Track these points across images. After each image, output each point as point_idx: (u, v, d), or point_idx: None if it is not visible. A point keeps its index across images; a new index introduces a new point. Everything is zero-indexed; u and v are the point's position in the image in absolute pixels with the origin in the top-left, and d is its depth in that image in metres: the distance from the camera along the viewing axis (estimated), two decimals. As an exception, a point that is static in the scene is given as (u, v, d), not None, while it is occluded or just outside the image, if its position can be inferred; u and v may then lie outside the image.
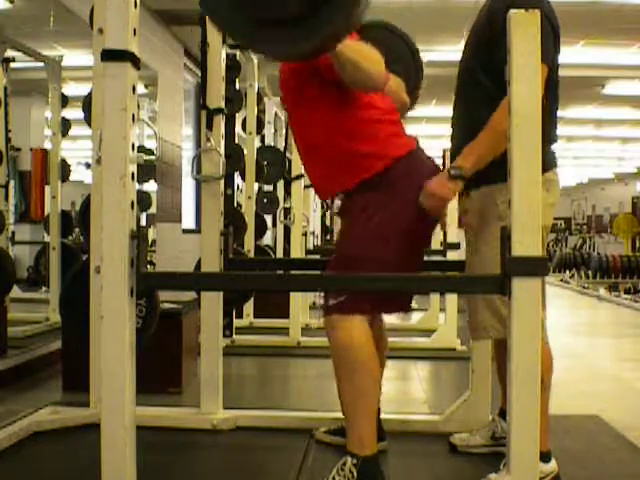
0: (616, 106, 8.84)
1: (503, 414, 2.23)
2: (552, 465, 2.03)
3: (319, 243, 8.66)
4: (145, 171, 5.01)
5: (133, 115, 1.68)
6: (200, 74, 2.66)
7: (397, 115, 2.15)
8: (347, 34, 1.63)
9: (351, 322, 1.95)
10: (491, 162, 1.97)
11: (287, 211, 5.05)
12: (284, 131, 6.12)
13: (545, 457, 1.97)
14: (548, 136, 1.96)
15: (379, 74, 1.93)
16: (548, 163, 2.04)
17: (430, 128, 10.06)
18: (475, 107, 2.12)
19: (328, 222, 9.98)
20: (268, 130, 6.32)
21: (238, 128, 4.96)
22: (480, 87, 2.08)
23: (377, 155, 2.01)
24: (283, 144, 5.27)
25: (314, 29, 1.50)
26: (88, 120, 2.71)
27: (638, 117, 9.58)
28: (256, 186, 5.33)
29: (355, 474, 1.91)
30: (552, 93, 1.98)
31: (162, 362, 3.10)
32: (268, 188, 6.27)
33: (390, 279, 1.77)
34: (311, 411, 2.69)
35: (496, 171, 1.84)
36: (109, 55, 1.66)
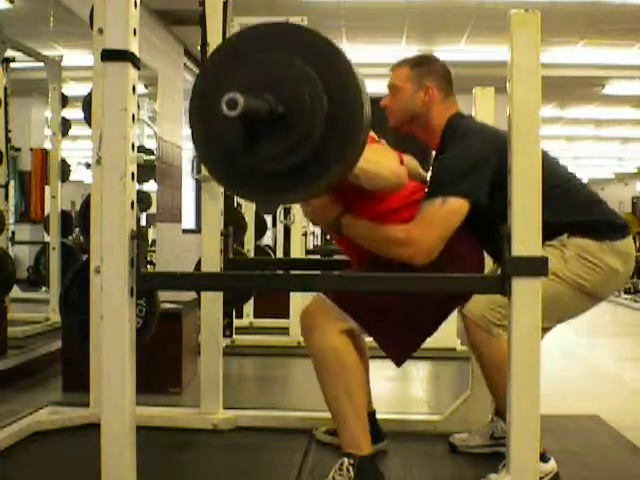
0: (616, 106, 8.84)
1: (500, 414, 2.23)
2: (551, 465, 2.03)
3: (319, 243, 8.66)
4: (145, 171, 5.01)
5: (133, 115, 1.68)
6: (200, 74, 2.66)
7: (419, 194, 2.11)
8: (346, 175, 1.63)
9: (328, 324, 1.95)
10: None
11: (287, 211, 5.05)
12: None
13: (543, 457, 1.98)
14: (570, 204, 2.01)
15: (396, 175, 1.92)
16: (616, 230, 2.05)
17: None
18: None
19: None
20: (268, 130, 6.31)
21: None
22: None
23: None
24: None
25: (314, 178, 1.50)
26: (88, 120, 2.71)
27: (638, 117, 9.58)
28: (256, 186, 5.32)
29: (352, 474, 1.91)
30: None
31: (162, 362, 3.10)
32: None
33: (389, 279, 1.77)
34: (311, 411, 2.68)
35: None
36: (109, 55, 1.66)
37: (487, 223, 2.01)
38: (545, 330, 2.07)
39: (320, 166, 1.48)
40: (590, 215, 2.06)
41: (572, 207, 2.04)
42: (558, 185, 2.01)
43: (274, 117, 1.45)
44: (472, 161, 1.98)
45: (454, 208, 1.94)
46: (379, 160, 1.89)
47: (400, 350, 2.06)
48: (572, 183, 2.11)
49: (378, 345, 2.05)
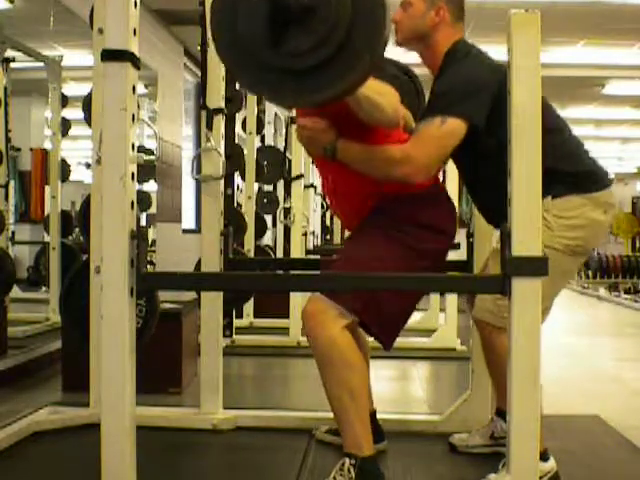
0: (616, 106, 8.85)
1: (500, 413, 2.23)
2: (550, 464, 2.03)
3: (319, 243, 8.66)
4: (145, 171, 5.01)
5: (133, 115, 1.68)
6: (200, 74, 2.66)
7: None
8: (368, 77, 1.62)
9: (331, 321, 1.93)
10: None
11: (287, 211, 5.05)
12: (284, 131, 6.13)
13: (543, 456, 1.98)
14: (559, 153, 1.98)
15: (395, 110, 1.93)
16: (598, 181, 2.06)
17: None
18: (479, 169, 2.15)
19: (328, 222, 9.97)
20: (268, 130, 6.32)
21: (238, 128, 4.97)
22: (472, 150, 2.06)
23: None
24: (283, 144, 5.27)
25: (338, 77, 1.50)
26: (88, 120, 2.71)
27: (638, 117, 9.59)
28: (256, 186, 5.33)
29: (354, 475, 1.91)
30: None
31: (162, 362, 3.10)
32: (268, 188, 6.27)
33: (389, 278, 1.77)
34: (311, 411, 2.68)
35: None
36: (109, 55, 1.66)
37: (485, 168, 2.02)
38: (549, 308, 2.07)
39: (345, 63, 1.48)
40: (577, 165, 2.05)
41: (563, 153, 2.02)
42: (552, 129, 1.96)
43: (300, 7, 1.45)
44: (472, 84, 1.98)
45: (452, 128, 1.94)
46: (382, 92, 1.89)
47: (390, 331, 2.07)
48: (565, 130, 2.10)
49: (367, 331, 2.07)
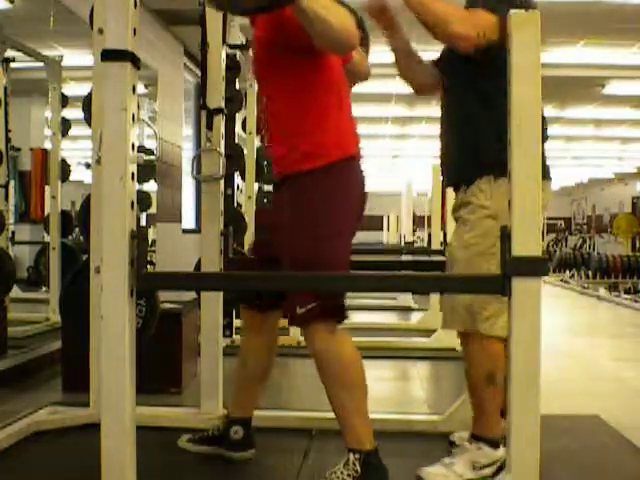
0: (616, 106, 8.84)
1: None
2: (502, 452, 2.05)
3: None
4: (145, 171, 5.00)
5: (133, 115, 1.68)
6: (200, 74, 2.66)
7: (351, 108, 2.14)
8: None
9: (334, 334, 1.97)
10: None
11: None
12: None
13: (493, 443, 2.03)
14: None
15: (350, 31, 1.80)
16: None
17: (430, 128, 10.06)
18: (466, 108, 2.14)
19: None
20: (268, 130, 6.31)
21: (238, 128, 4.96)
22: (467, 84, 2.05)
23: (327, 148, 2.00)
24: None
25: None
26: (88, 120, 2.71)
27: (638, 117, 9.58)
28: (256, 186, 5.33)
29: (359, 468, 1.94)
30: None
31: (162, 362, 3.10)
32: (268, 188, 6.27)
33: (389, 278, 1.77)
34: (311, 411, 2.68)
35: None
36: (109, 55, 1.66)
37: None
38: None
39: None
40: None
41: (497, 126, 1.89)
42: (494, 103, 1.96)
43: None
44: None
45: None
46: (337, 12, 1.78)
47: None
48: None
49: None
